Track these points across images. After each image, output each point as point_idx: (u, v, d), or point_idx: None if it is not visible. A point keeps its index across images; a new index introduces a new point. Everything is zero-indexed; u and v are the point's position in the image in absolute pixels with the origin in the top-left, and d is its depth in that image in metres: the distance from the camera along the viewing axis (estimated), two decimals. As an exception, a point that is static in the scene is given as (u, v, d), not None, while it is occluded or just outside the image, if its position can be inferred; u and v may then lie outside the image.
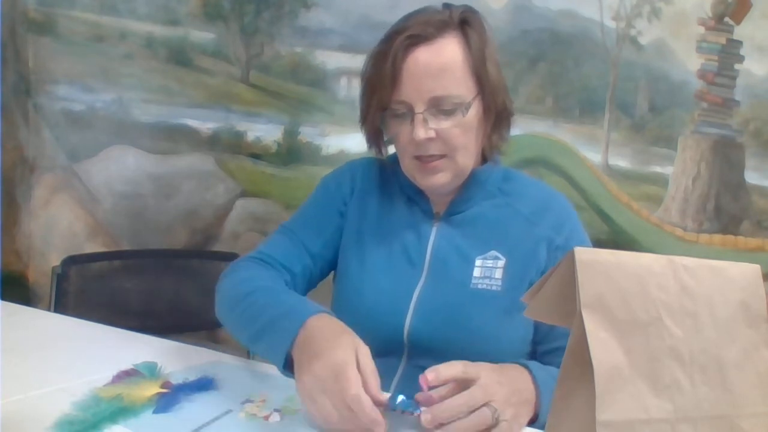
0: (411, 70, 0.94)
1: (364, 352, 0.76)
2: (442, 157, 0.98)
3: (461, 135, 0.97)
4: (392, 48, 0.95)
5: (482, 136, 1.02)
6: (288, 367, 0.82)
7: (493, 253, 1.00)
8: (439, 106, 0.95)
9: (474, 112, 0.97)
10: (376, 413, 0.71)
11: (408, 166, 1.01)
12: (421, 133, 0.94)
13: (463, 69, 0.96)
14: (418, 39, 0.95)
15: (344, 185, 1.11)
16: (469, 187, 1.04)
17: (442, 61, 0.95)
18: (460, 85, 0.96)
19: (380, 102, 0.98)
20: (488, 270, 0.99)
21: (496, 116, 1.01)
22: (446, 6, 1.01)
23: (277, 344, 0.82)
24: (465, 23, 0.98)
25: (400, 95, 0.96)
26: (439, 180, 0.99)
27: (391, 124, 1.00)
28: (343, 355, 0.74)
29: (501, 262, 0.99)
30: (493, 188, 1.05)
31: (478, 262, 0.99)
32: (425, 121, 0.95)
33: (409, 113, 0.96)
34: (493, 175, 1.06)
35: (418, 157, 0.98)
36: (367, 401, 0.71)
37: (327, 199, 1.11)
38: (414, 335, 0.98)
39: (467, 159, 1.00)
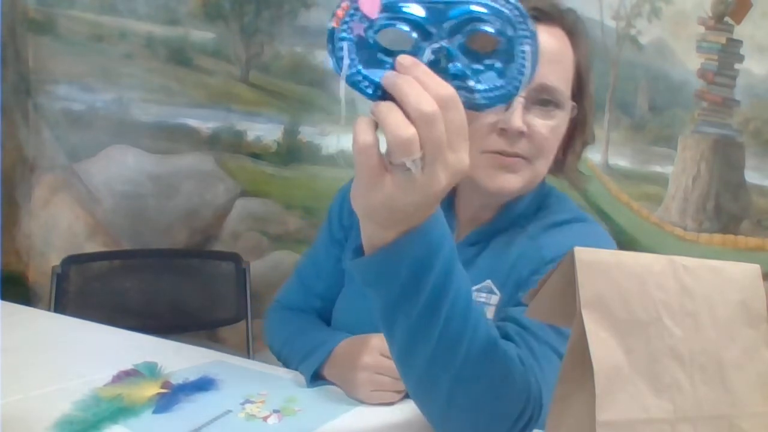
0: None
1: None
2: (522, 158, 0.85)
3: (549, 140, 0.85)
4: None
5: (557, 150, 0.90)
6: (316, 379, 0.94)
7: (488, 284, 0.90)
8: (542, 99, 0.83)
9: (565, 118, 0.87)
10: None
11: (478, 161, 0.84)
12: (518, 121, 0.81)
13: (571, 67, 0.86)
14: (541, 14, 0.81)
15: (334, 210, 1.09)
16: (498, 219, 0.93)
17: (559, 48, 0.84)
18: (566, 82, 0.85)
19: None
20: (480, 306, 0.87)
21: (577, 136, 0.92)
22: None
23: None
24: (573, 24, 0.88)
25: None
26: (512, 182, 0.86)
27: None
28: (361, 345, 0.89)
29: (495, 298, 0.88)
30: (522, 220, 0.93)
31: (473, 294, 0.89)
32: (525, 109, 0.82)
33: None
34: (529, 208, 0.93)
35: (497, 152, 0.84)
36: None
37: (326, 231, 1.10)
38: None
39: (543, 168, 0.88)
